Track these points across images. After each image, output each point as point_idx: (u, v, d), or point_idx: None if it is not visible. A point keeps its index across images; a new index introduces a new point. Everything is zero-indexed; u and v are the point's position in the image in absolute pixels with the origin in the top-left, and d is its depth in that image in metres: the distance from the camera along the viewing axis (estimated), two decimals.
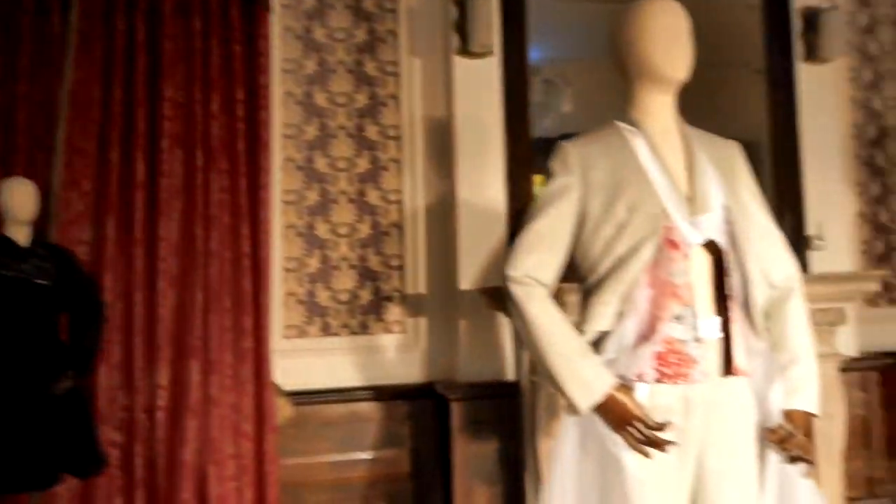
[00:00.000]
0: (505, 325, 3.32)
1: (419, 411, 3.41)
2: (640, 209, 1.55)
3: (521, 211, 3.35)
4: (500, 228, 3.34)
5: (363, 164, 3.55)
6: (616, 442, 1.48)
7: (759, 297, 1.60)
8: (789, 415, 1.57)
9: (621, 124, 1.68)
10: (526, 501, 3.15)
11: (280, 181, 3.44)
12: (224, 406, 2.98)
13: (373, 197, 3.55)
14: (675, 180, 1.59)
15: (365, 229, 3.52)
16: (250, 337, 3.05)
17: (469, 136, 3.38)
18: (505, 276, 1.63)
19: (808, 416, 1.59)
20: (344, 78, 3.56)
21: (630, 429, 1.47)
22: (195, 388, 2.94)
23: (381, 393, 3.40)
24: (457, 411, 3.20)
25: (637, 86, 1.67)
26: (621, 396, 1.49)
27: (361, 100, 3.57)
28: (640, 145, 1.62)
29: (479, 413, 3.20)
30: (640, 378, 1.52)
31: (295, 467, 3.24)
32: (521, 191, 3.31)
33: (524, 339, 1.63)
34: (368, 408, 3.38)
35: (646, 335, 1.52)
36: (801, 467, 1.55)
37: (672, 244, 1.55)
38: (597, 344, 1.56)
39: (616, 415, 1.48)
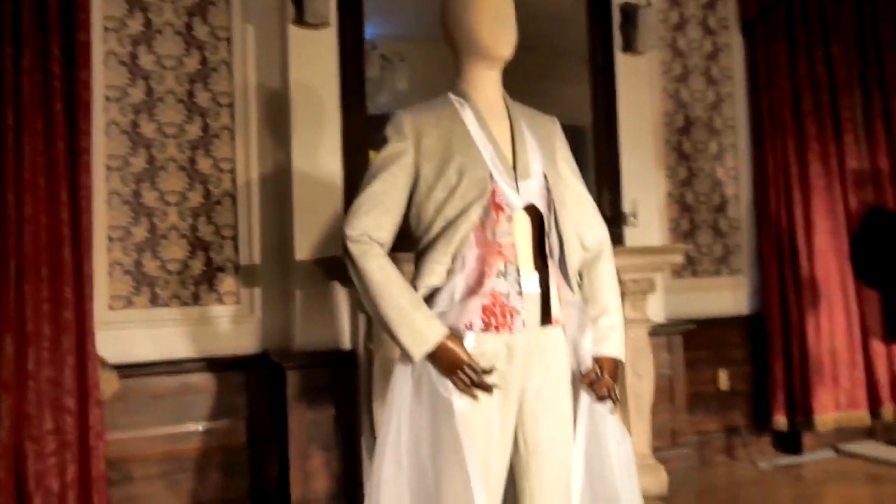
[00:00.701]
0: (341, 295, 3.43)
1: (254, 381, 3.45)
2: (469, 174, 1.72)
3: (356, 184, 3.46)
4: (335, 200, 3.43)
5: (194, 131, 3.51)
6: (447, 387, 1.65)
7: (574, 256, 1.82)
8: (599, 360, 1.80)
9: (452, 95, 1.84)
10: (362, 464, 3.30)
11: (103, 145, 3.33)
12: (42, 380, 2.86)
13: (204, 165, 3.51)
14: (499, 149, 1.78)
15: (196, 198, 3.49)
16: (71, 308, 2.94)
17: (305, 107, 3.44)
18: (343, 235, 1.74)
19: (615, 362, 1.84)
20: (172, 40, 3.49)
21: (460, 374, 1.64)
22: (9, 363, 2.80)
23: (214, 364, 3.40)
24: (292, 380, 3.27)
25: (466, 61, 1.84)
26: (452, 345, 1.65)
27: (191, 64, 3.52)
28: (468, 115, 1.79)
29: (315, 381, 3.30)
30: (469, 328, 1.69)
31: (123, 441, 3.19)
32: (357, 164, 3.41)
33: (362, 294, 1.74)
34: (201, 379, 3.38)
35: (474, 289, 1.69)
36: (608, 405, 1.79)
37: (498, 207, 1.73)
38: (429, 298, 1.71)
39: (447, 361, 1.65)
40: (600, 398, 1.78)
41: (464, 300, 1.69)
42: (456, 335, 1.67)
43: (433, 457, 1.64)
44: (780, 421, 4.56)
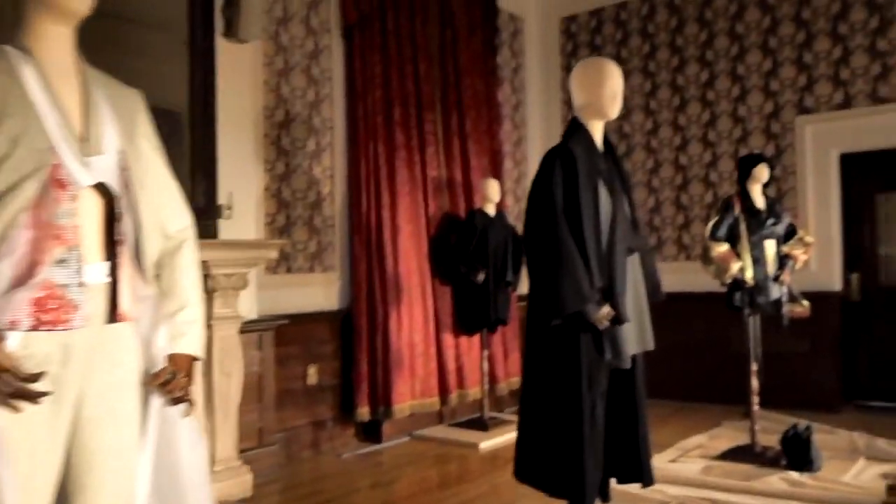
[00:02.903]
0: None
1: None
2: (24, 143, 1.51)
3: None
4: None
5: None
6: None
7: (152, 244, 1.70)
8: (173, 358, 1.69)
9: (10, 49, 1.59)
10: None
11: None
12: None
13: None
14: (67, 117, 1.59)
15: None
16: None
17: None
18: None
19: (192, 359, 1.75)
20: None
21: None
22: None
23: None
24: None
25: (30, 11, 1.60)
26: None
27: None
28: (29, 74, 1.57)
29: None
30: (14, 326, 1.48)
31: None
32: None
33: None
34: None
35: (22, 279, 1.49)
36: (182, 407, 1.70)
37: (59, 184, 1.54)
38: None
39: None
40: (174, 400, 1.68)
41: (9, 292, 1.48)
42: None
43: None
44: (364, 412, 4.98)
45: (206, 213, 3.94)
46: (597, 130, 2.71)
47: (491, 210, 5.36)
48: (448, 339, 5.49)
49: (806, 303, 4.39)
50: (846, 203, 5.82)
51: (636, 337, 2.65)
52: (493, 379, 5.66)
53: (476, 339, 5.52)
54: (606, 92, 2.63)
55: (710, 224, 4.31)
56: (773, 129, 5.89)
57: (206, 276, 3.79)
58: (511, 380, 5.99)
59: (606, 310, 2.51)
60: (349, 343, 5.01)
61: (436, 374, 5.39)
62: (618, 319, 2.52)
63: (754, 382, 4.34)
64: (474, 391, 5.58)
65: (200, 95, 3.97)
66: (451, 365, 5.49)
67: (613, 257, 2.55)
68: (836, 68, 5.62)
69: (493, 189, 5.33)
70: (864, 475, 3.99)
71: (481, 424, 5.30)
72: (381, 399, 5.03)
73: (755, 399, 4.35)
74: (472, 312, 5.33)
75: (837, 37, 5.62)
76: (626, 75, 6.52)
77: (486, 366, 5.40)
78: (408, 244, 5.21)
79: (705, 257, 4.27)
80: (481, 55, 5.95)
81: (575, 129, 2.69)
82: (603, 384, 2.59)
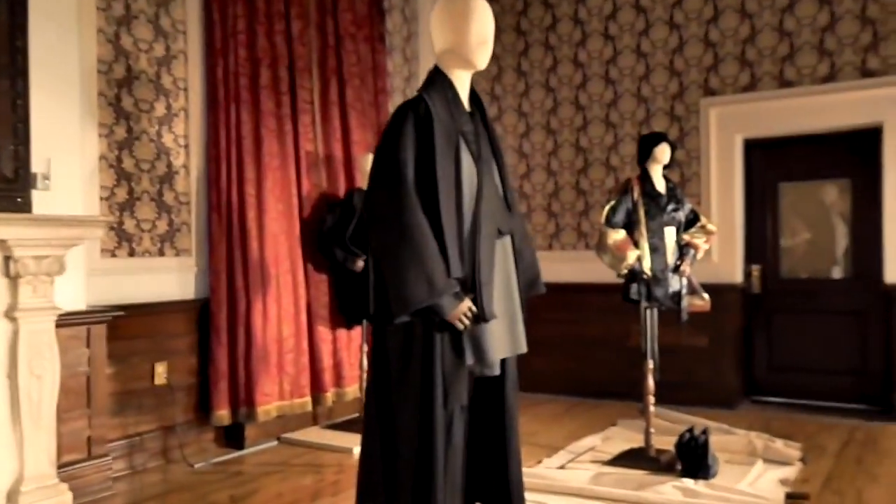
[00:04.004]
0: None
1: None
2: None
3: None
4: None
5: None
6: None
7: None
8: None
9: None
10: None
11: None
12: None
13: None
14: None
15: None
16: None
17: None
18: None
19: None
20: None
21: None
22: None
23: None
24: None
25: None
26: None
27: None
28: None
29: None
30: None
31: None
32: None
33: None
34: None
35: None
36: None
37: None
38: None
39: None
40: None
41: None
42: None
43: None
44: (222, 415, 4.44)
45: (15, 183, 3.30)
46: (461, 83, 2.24)
47: None
48: (323, 332, 4.98)
49: (706, 296, 4.09)
50: (749, 191, 5.61)
51: (506, 337, 2.20)
52: None
53: (356, 332, 5.05)
54: (473, 35, 2.17)
55: (607, 208, 3.94)
56: (678, 111, 5.62)
57: (8, 259, 3.17)
58: None
59: (467, 304, 2.06)
60: (207, 337, 4.45)
61: (308, 372, 4.87)
62: (481, 316, 2.07)
63: (650, 381, 4.02)
64: (353, 389, 5.11)
65: (6, 40, 3.29)
66: (326, 361, 4.98)
67: (477, 240, 2.08)
68: (743, 47, 5.38)
69: None
70: (762, 481, 3.75)
71: (359, 426, 4.82)
72: (244, 400, 4.49)
73: (651, 399, 4.04)
74: (351, 303, 4.84)
75: (745, 13, 5.36)
76: (526, 49, 6.21)
77: (365, 362, 4.91)
78: (276, 226, 4.67)
79: (600, 245, 3.91)
80: (367, 18, 5.42)
81: (434, 80, 2.21)
82: (463, 396, 2.14)
